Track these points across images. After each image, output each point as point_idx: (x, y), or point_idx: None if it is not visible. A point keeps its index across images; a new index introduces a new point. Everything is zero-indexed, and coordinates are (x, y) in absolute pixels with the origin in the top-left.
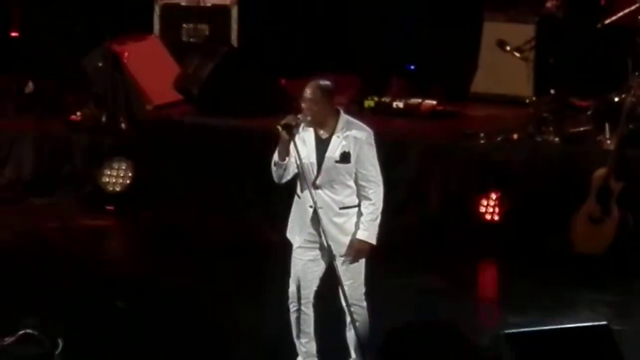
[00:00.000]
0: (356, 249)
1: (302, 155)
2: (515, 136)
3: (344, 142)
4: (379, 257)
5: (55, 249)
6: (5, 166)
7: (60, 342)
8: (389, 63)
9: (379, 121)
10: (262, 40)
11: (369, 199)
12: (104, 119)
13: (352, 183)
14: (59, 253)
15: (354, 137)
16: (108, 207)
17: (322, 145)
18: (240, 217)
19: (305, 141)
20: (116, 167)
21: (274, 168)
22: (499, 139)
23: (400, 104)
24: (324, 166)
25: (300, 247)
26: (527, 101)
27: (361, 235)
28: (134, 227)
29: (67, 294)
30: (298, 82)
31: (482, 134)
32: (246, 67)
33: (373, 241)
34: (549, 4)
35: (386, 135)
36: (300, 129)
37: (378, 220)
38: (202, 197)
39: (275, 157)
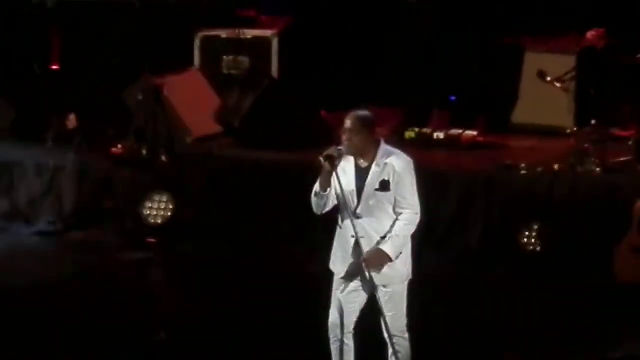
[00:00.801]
0: (372, 257)
1: (343, 184)
2: (556, 167)
3: (383, 171)
4: (422, 290)
5: (97, 284)
6: (47, 200)
7: None
8: (431, 95)
9: (420, 152)
10: (303, 73)
11: (402, 220)
12: (144, 152)
13: (392, 212)
14: (101, 288)
15: (393, 165)
16: (149, 240)
17: (361, 174)
18: (281, 250)
19: (345, 170)
20: (157, 200)
21: (314, 199)
22: (539, 170)
23: (441, 135)
24: (364, 195)
25: (342, 277)
26: (568, 132)
27: (384, 246)
28: (175, 260)
29: (108, 329)
30: (339, 114)
31: (523, 165)
32: (287, 99)
33: (393, 256)
34: (589, 35)
35: (427, 166)
36: (342, 159)
37: (404, 240)
38: (243, 230)
39: (317, 187)
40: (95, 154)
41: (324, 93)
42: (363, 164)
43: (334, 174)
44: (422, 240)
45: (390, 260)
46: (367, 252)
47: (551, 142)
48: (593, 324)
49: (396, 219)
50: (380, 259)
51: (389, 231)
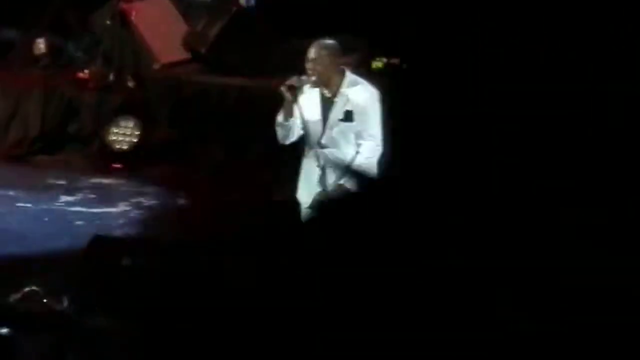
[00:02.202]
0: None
1: (307, 114)
2: None
3: (347, 101)
4: None
5: (62, 206)
6: (13, 123)
7: (65, 299)
8: (399, 25)
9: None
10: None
11: (361, 152)
12: (111, 77)
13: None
14: (66, 210)
15: (357, 95)
16: (115, 165)
17: (326, 105)
18: (248, 177)
19: (310, 100)
20: (123, 125)
21: (278, 128)
22: None
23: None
24: (328, 125)
25: (308, 207)
26: None
27: (344, 181)
28: (140, 185)
29: (72, 251)
30: (308, 42)
31: None
32: (254, 26)
33: (352, 187)
34: None
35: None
36: (306, 88)
37: (365, 173)
38: (209, 156)
39: (279, 117)
40: (62, 78)
41: (293, 20)
42: (328, 93)
43: (296, 103)
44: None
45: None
46: (330, 189)
47: None
48: None
49: (357, 151)
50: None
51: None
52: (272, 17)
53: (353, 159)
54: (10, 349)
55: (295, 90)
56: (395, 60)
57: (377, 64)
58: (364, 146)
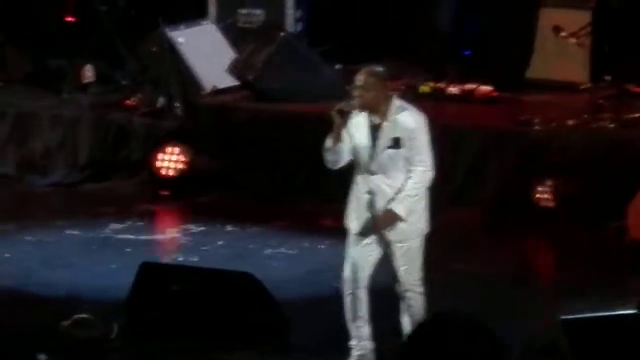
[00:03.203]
0: (383, 218)
1: (356, 140)
2: (570, 122)
3: (395, 128)
4: (437, 243)
5: (111, 234)
6: (62, 151)
7: (115, 326)
8: (446, 49)
9: (434, 107)
10: (318, 26)
11: (411, 178)
12: (159, 104)
13: (406, 168)
14: (115, 237)
15: (405, 121)
16: (163, 192)
17: (374, 131)
18: (297, 203)
19: (358, 126)
20: (171, 152)
21: (327, 153)
22: (553, 125)
23: (455, 90)
24: (376, 152)
25: (356, 233)
26: (583, 87)
27: (393, 205)
28: (188, 212)
29: (123, 278)
30: (354, 68)
31: (537, 120)
32: (303, 50)
33: (403, 214)
34: None
35: (441, 121)
36: (354, 114)
37: (415, 198)
38: (258, 182)
39: (328, 142)
40: (111, 106)
41: (339, 46)
42: (376, 120)
43: (345, 128)
44: (438, 195)
45: (401, 219)
46: (379, 213)
47: (566, 97)
48: (604, 280)
49: (408, 177)
50: (391, 219)
51: (402, 188)
52: (319, 42)
53: (404, 185)
54: None
55: (345, 115)
56: (441, 85)
57: (424, 87)
58: (414, 171)
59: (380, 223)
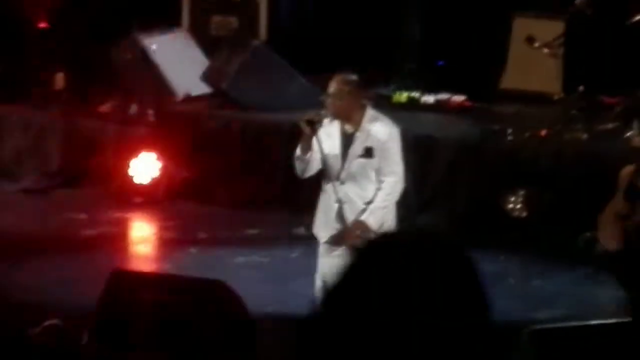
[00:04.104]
0: (353, 229)
1: (327, 149)
2: (543, 133)
3: (368, 137)
4: None
5: (83, 241)
6: (33, 158)
7: (85, 334)
8: (419, 59)
9: (408, 116)
10: (291, 35)
11: (383, 189)
12: (132, 111)
13: (376, 178)
14: (86, 244)
15: (378, 132)
16: (135, 199)
17: (346, 140)
18: (269, 211)
19: (330, 135)
20: (144, 159)
21: (296, 162)
22: (526, 135)
23: (429, 100)
24: (347, 161)
25: (325, 242)
26: (556, 98)
27: (366, 218)
28: (161, 220)
29: (93, 285)
30: (326, 76)
31: (510, 131)
32: (275, 60)
33: (375, 227)
34: (578, 1)
35: (414, 130)
36: (326, 122)
37: (385, 210)
38: (230, 190)
39: (298, 151)
40: (83, 112)
41: (311, 55)
42: (349, 129)
43: (315, 138)
44: (409, 204)
45: (372, 231)
46: (349, 224)
47: (538, 108)
48: (575, 290)
49: (379, 188)
50: (361, 230)
51: (372, 199)
52: (291, 51)
53: (374, 196)
54: None
55: (314, 125)
56: (415, 94)
57: (398, 97)
58: (385, 183)
59: (350, 234)
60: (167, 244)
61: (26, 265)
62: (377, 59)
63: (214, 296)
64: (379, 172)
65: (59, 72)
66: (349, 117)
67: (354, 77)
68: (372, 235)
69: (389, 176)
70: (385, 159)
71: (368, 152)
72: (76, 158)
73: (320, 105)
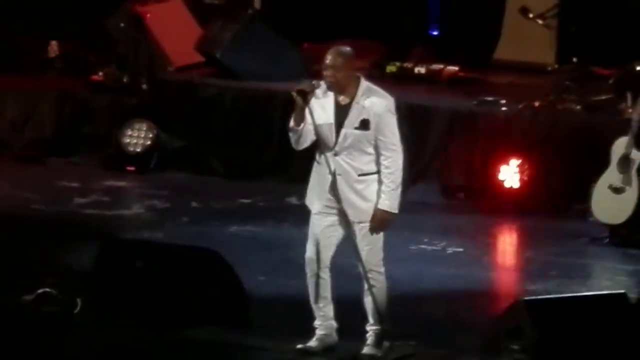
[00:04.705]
0: (379, 220)
1: (321, 121)
2: (536, 104)
3: (363, 109)
4: (398, 223)
5: (76, 209)
6: (27, 125)
7: (78, 301)
8: (413, 29)
9: (401, 87)
10: (285, 4)
11: (388, 168)
12: (125, 79)
13: (371, 150)
14: (79, 212)
15: (373, 104)
16: (128, 168)
17: (341, 112)
18: (263, 181)
19: (324, 107)
20: (137, 128)
21: (290, 133)
22: (520, 106)
23: (422, 70)
24: (342, 133)
25: (318, 213)
26: (549, 69)
27: (383, 205)
28: (153, 188)
29: (86, 253)
30: (320, 46)
31: (503, 101)
32: (268, 31)
33: (395, 210)
34: None
35: (408, 100)
36: (321, 94)
37: (399, 189)
38: (223, 159)
39: (291, 122)
40: (76, 81)
41: (306, 25)
42: (343, 100)
43: (308, 109)
44: (403, 174)
45: (394, 214)
46: (372, 218)
47: (532, 78)
48: (567, 261)
49: (381, 169)
50: (387, 220)
51: (366, 171)
52: (284, 21)
53: (381, 178)
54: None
55: (306, 95)
56: (408, 65)
57: (391, 67)
58: (387, 160)
59: (378, 226)
60: (160, 213)
61: (20, 233)
62: (371, 29)
63: (207, 265)
64: (378, 145)
65: (53, 40)
66: (343, 88)
67: (348, 48)
68: (363, 204)
69: (388, 151)
70: (382, 132)
71: (363, 124)
72: (69, 126)
73: (313, 75)
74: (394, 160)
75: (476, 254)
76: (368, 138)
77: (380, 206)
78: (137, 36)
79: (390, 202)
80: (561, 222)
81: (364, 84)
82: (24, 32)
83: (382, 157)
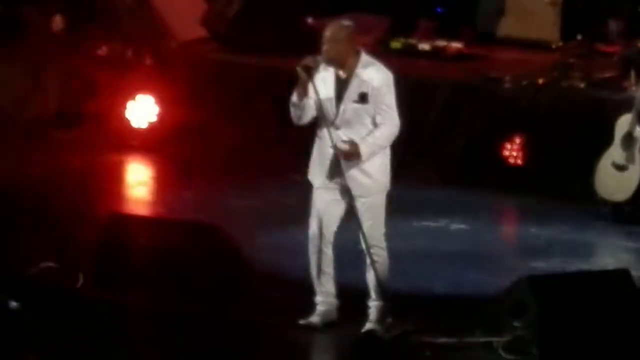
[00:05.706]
0: (349, 151)
1: (322, 95)
2: (540, 81)
3: (362, 83)
4: (401, 198)
5: (79, 184)
6: (31, 99)
7: (81, 275)
8: (418, 4)
9: (405, 63)
10: None
11: (381, 128)
12: (129, 54)
13: (371, 124)
14: (83, 187)
15: (372, 78)
16: (132, 143)
17: (340, 85)
18: (266, 156)
19: (325, 80)
20: (140, 102)
21: (292, 108)
22: (524, 83)
23: (427, 46)
24: (342, 106)
25: (320, 187)
26: (554, 46)
27: (358, 141)
28: (158, 163)
29: (89, 228)
30: (325, 21)
31: (507, 78)
32: (273, 5)
33: (364, 155)
34: None
35: (411, 76)
36: (321, 68)
37: (378, 148)
38: (227, 134)
39: (294, 97)
40: (81, 55)
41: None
42: (343, 74)
43: (311, 83)
44: (406, 149)
45: (360, 159)
46: (344, 141)
47: (536, 55)
48: (570, 238)
49: (379, 127)
50: (352, 153)
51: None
52: None
53: (372, 132)
54: (20, 322)
55: (310, 70)
56: (412, 41)
57: (395, 43)
58: (384, 124)
59: (343, 154)
60: (164, 188)
61: (24, 208)
62: (376, 4)
63: (209, 239)
64: (376, 115)
65: (57, 15)
66: (343, 62)
67: (348, 23)
68: (364, 179)
69: (384, 119)
70: (380, 105)
71: (362, 98)
72: (74, 101)
73: (318, 51)
74: (389, 127)
75: (479, 230)
76: (368, 111)
77: (361, 144)
78: (141, 10)
79: (365, 146)
80: (564, 199)
81: (364, 57)
82: (29, 5)
83: (377, 121)
